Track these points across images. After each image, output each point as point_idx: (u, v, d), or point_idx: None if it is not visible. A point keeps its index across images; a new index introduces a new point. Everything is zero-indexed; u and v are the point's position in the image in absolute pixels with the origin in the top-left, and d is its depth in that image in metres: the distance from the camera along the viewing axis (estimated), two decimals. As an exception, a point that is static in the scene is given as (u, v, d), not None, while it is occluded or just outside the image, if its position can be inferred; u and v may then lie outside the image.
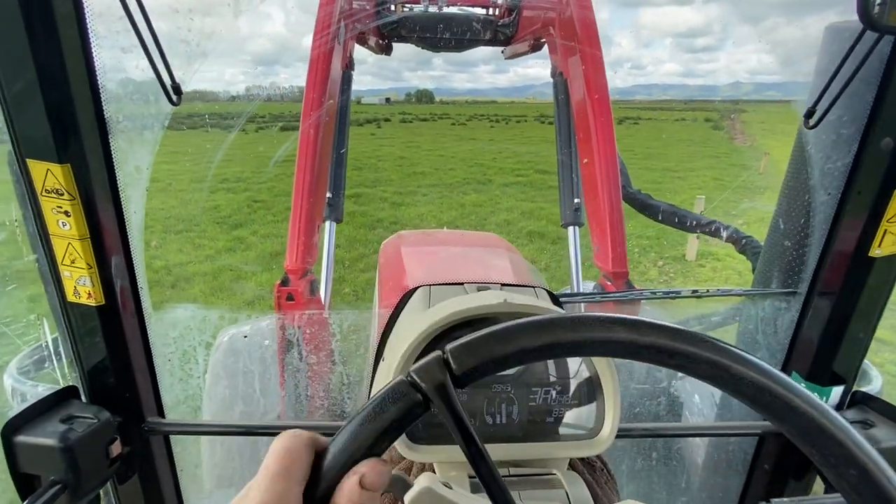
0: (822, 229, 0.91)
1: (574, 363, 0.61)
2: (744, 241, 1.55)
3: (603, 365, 0.58)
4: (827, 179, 0.89)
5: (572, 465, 0.66)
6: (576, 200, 2.01)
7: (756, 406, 0.35)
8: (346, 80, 2.14)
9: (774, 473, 1.02)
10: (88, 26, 0.63)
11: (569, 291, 1.87)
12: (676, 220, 1.66)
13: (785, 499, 0.41)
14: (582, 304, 1.17)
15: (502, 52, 3.07)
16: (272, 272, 5.47)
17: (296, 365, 1.27)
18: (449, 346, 0.34)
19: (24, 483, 0.72)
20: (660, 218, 1.70)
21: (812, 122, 0.76)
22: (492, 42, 2.77)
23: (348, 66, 2.13)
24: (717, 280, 5.69)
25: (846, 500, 0.32)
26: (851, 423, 0.95)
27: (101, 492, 0.86)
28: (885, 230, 0.83)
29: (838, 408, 0.96)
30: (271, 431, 0.94)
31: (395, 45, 2.87)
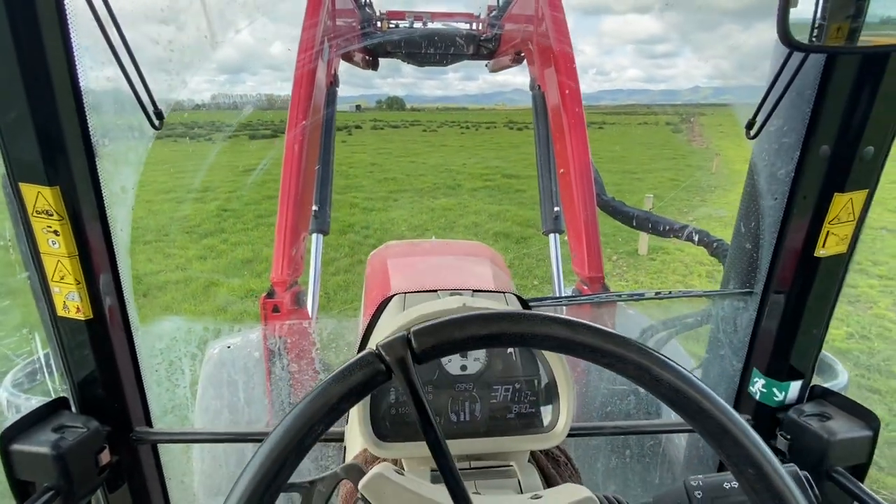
0: (772, 232, 0.97)
1: (531, 365, 0.66)
2: (714, 244, 1.61)
3: (558, 367, 0.63)
4: (774, 185, 0.95)
5: (537, 461, 0.70)
6: (555, 209, 2.07)
7: (673, 406, 0.39)
8: (331, 96, 2.20)
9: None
10: (76, 58, 0.68)
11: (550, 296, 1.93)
12: (650, 225, 1.72)
13: (700, 476, 0.46)
14: (555, 308, 1.22)
15: (486, 65, 3.16)
16: (243, 278, 5.54)
17: (279, 374, 1.31)
18: (413, 328, 0.39)
19: (21, 489, 0.76)
20: (634, 224, 1.77)
21: (752, 132, 0.83)
22: (475, 56, 2.85)
23: (333, 82, 2.20)
24: (665, 272, 5.94)
25: (747, 495, 0.36)
26: (809, 415, 1.00)
27: (93, 499, 0.89)
28: (828, 231, 0.89)
29: (798, 401, 1.01)
30: (257, 438, 0.98)
31: (380, 60, 2.94)
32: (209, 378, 1.28)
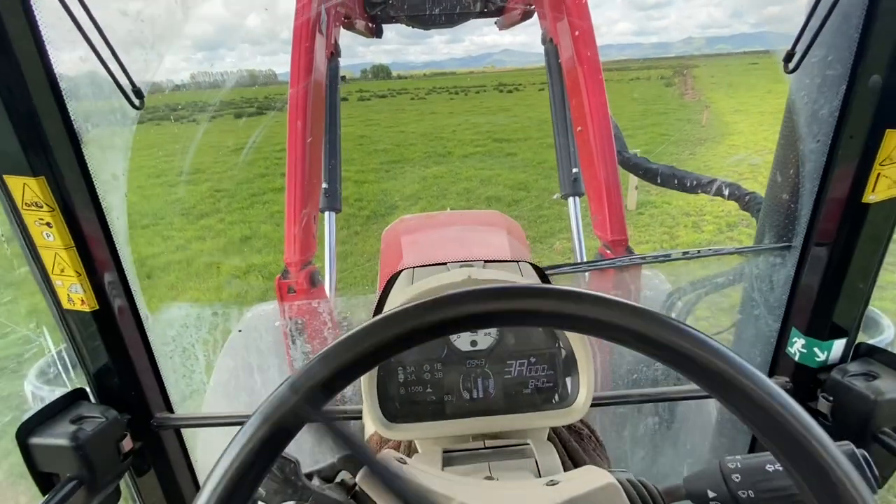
0: (814, 179, 0.87)
1: (547, 337, 0.61)
2: (747, 197, 1.50)
3: (576, 337, 0.58)
4: (815, 126, 0.85)
5: (559, 435, 0.66)
6: (574, 170, 1.97)
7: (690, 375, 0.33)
8: (333, 67, 2.12)
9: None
10: (44, 39, 0.64)
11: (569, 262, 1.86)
12: (676, 181, 1.61)
13: (738, 456, 0.41)
14: (576, 276, 1.16)
15: (495, 22, 2.99)
16: (243, 255, 5.65)
17: (294, 355, 1.30)
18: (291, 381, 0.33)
19: (43, 481, 0.77)
20: (658, 181, 1.66)
21: (791, 65, 0.73)
22: (483, 14, 2.69)
23: (334, 53, 2.11)
24: (653, 224, 5.99)
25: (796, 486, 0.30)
26: (854, 375, 0.93)
27: (122, 485, 0.91)
28: (879, 174, 0.79)
29: (842, 360, 0.94)
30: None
31: (383, 26, 2.82)
32: (225, 360, 1.29)
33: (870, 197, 0.80)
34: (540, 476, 0.50)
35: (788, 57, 0.74)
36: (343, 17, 2.33)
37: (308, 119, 1.68)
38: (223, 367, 1.37)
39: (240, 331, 1.34)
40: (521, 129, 14.15)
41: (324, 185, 1.97)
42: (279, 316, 1.43)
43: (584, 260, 1.96)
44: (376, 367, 0.59)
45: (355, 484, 0.39)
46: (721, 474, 0.39)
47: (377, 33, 2.86)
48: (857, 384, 0.87)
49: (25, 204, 0.70)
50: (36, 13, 0.63)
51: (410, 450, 0.63)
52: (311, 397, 0.31)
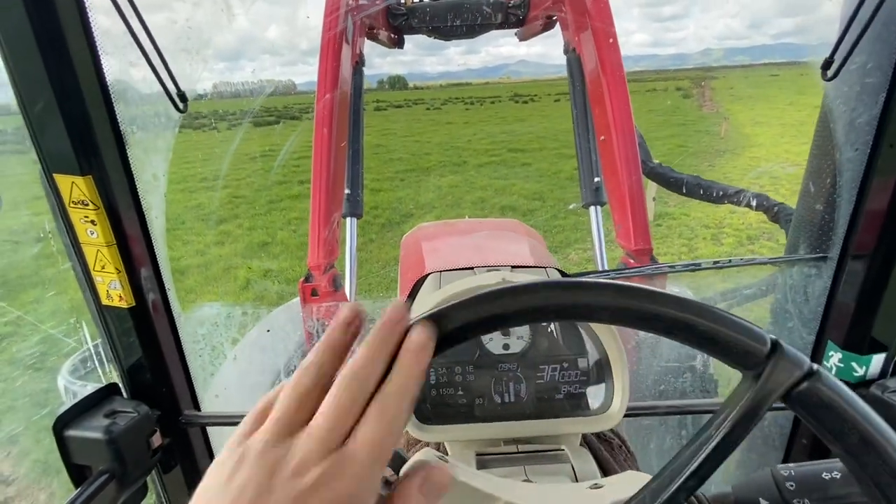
0: (852, 188, 0.85)
1: (581, 342, 0.61)
2: (776, 208, 1.48)
3: (611, 343, 0.57)
4: (853, 134, 0.83)
5: (589, 443, 0.65)
6: (595, 179, 1.96)
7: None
8: (358, 76, 2.16)
9: (814, 449, 0.97)
10: (97, 44, 0.67)
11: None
12: (702, 191, 1.59)
13: (791, 464, 0.39)
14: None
15: (515, 34, 3.02)
16: (261, 260, 5.70)
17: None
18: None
19: (77, 473, 0.79)
20: (684, 191, 1.65)
21: (830, 73, 0.72)
22: (504, 25, 2.72)
23: (359, 61, 2.15)
24: (671, 236, 5.93)
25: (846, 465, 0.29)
26: (895, 391, 0.89)
27: (149, 480, 0.92)
28: (922, 184, 0.77)
29: (881, 376, 0.91)
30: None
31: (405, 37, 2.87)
32: (245, 358, 1.30)
33: (912, 207, 0.78)
34: (577, 481, 0.50)
35: (827, 65, 0.73)
36: (367, 27, 2.38)
37: (334, 126, 1.71)
38: (242, 366, 1.38)
39: (268, 330, 1.36)
40: (536, 140, 14.12)
41: (346, 191, 2.00)
42: (302, 317, 1.45)
43: (604, 266, 1.94)
44: None
45: (397, 478, 0.39)
46: (774, 482, 0.38)
47: (399, 44, 2.91)
48: (899, 401, 0.83)
49: (72, 202, 0.72)
50: (91, 19, 0.66)
51: (440, 454, 0.63)
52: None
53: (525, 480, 0.49)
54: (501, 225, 2.08)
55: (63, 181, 0.71)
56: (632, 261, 1.61)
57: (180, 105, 0.71)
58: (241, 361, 1.27)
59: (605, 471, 0.61)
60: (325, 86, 1.81)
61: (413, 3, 2.66)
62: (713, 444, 0.30)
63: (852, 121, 0.83)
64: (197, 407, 0.97)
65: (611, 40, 1.76)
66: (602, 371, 0.59)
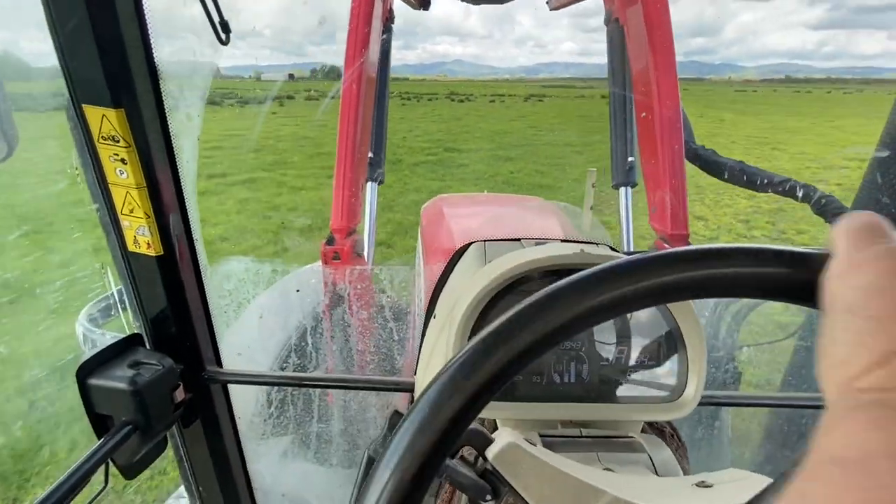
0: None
1: (652, 321, 0.56)
2: (823, 200, 1.40)
3: (687, 318, 0.52)
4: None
5: (643, 431, 0.62)
6: (629, 159, 1.89)
7: None
8: (388, 34, 2.06)
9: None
10: (134, -40, 0.60)
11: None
12: (745, 178, 1.52)
13: None
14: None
15: (547, 2, 2.88)
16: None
17: (344, 319, 1.29)
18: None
19: (99, 423, 0.76)
20: (725, 177, 1.57)
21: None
22: (537, -10, 2.59)
23: (388, 18, 2.05)
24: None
25: None
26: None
27: (168, 434, 0.90)
28: None
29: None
30: (324, 384, 0.96)
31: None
32: (266, 315, 1.28)
33: None
34: (657, 474, 0.46)
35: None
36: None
37: (363, 86, 1.63)
38: (261, 322, 1.35)
39: (298, 290, 1.33)
40: (473, 140, 13.75)
41: (369, 155, 1.94)
42: (322, 280, 1.42)
43: (631, 249, 1.89)
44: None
45: (482, 459, 0.35)
46: None
47: (425, 5, 2.79)
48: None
49: (102, 137, 0.67)
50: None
51: (493, 431, 0.59)
52: None
53: (606, 469, 0.45)
54: (526, 201, 2.01)
55: (93, 113, 0.65)
56: (666, 245, 1.55)
57: (223, 36, 0.65)
58: (263, 320, 1.24)
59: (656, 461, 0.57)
60: (355, 44, 1.72)
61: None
62: None
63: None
64: (219, 363, 0.94)
65: (660, 11, 1.65)
66: (674, 352, 0.55)
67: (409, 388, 0.87)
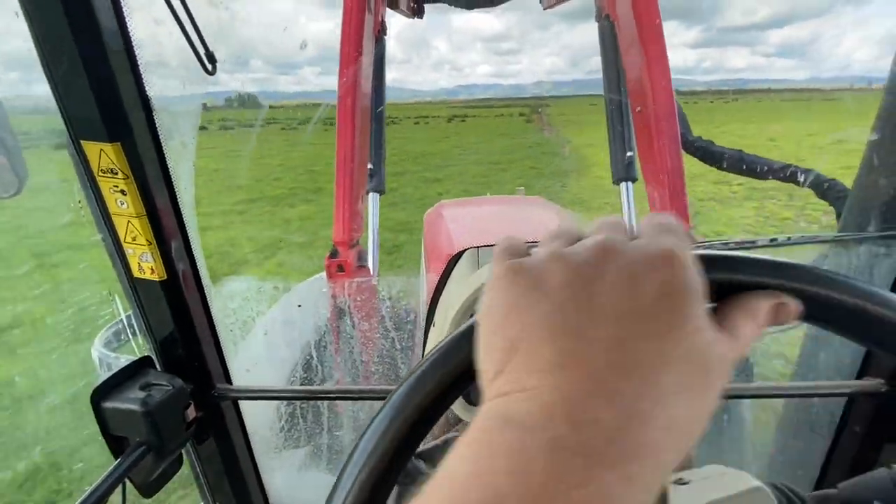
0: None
1: None
2: (826, 184, 1.39)
3: None
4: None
5: None
6: (628, 154, 1.88)
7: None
8: (380, 47, 2.09)
9: (868, 437, 0.92)
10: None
11: None
12: (745, 167, 1.50)
13: None
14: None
15: (540, 1, 2.89)
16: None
17: (349, 332, 1.31)
18: None
19: (115, 444, 0.79)
20: (724, 166, 1.56)
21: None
22: (530, -9, 2.60)
23: (381, 31, 2.08)
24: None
25: None
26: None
27: (183, 452, 0.93)
28: None
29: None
30: (334, 396, 0.97)
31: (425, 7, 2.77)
32: (274, 336, 1.30)
33: None
34: None
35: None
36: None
37: (358, 98, 1.66)
38: (270, 340, 1.38)
39: (299, 306, 1.35)
40: (399, 163, 13.35)
41: (368, 167, 1.96)
42: (329, 294, 1.44)
43: None
44: None
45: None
46: (892, 483, 0.34)
47: (419, 13, 2.81)
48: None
49: (101, 171, 0.70)
50: (114, -26, 0.62)
51: None
52: None
53: None
54: (527, 201, 2.02)
55: (91, 149, 0.68)
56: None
57: (209, 66, 0.67)
58: (268, 336, 1.27)
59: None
60: (347, 57, 1.75)
61: (434, -31, 2.55)
62: None
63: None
64: (229, 381, 0.97)
65: (651, 5, 1.65)
66: None
67: None
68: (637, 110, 1.66)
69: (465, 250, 0.80)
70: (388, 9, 2.48)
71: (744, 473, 0.34)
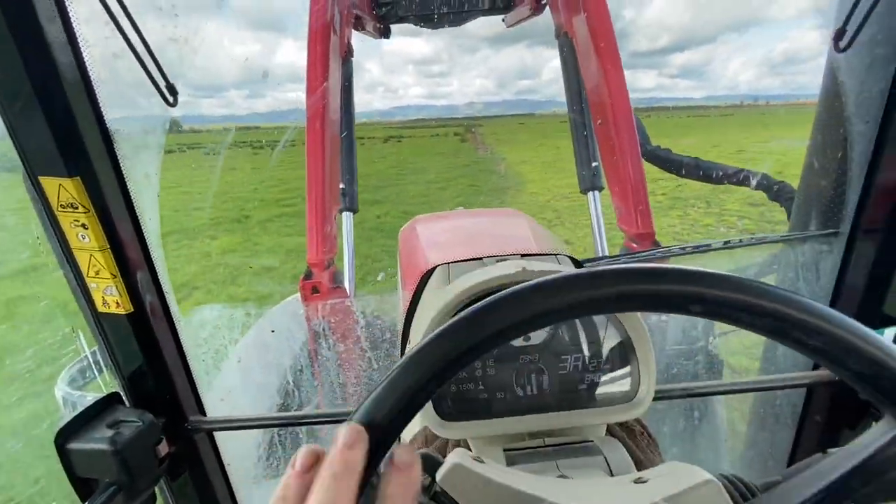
0: (862, 162, 0.84)
1: (604, 329, 0.59)
2: (776, 187, 1.47)
3: (635, 326, 0.56)
4: (863, 108, 0.82)
5: (611, 432, 0.64)
6: (593, 164, 1.95)
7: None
8: (348, 68, 2.11)
9: (827, 424, 0.97)
10: (77, 33, 0.63)
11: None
12: (701, 172, 1.58)
13: (840, 447, 0.38)
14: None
15: (503, 20, 2.98)
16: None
17: (326, 354, 1.29)
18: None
19: (82, 487, 0.76)
20: (682, 172, 1.63)
21: (843, 43, 0.70)
22: (491, 10, 2.68)
23: (347, 52, 2.10)
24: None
25: None
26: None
27: (157, 490, 0.90)
28: (935, 154, 0.76)
29: (892, 350, 0.91)
30: (312, 421, 0.96)
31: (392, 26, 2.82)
32: (248, 362, 1.28)
33: (925, 179, 0.77)
34: (612, 475, 0.48)
35: (839, 35, 0.71)
36: (353, 17, 2.32)
37: (327, 119, 1.67)
38: (244, 366, 1.35)
39: (272, 331, 1.33)
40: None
41: (340, 186, 1.97)
42: (305, 316, 1.42)
43: (604, 252, 1.93)
44: None
45: (432, 483, 0.37)
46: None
47: (385, 34, 2.86)
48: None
49: (61, 206, 0.69)
50: (69, 8, 0.62)
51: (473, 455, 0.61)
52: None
53: (560, 476, 0.47)
54: (501, 213, 2.05)
55: (49, 184, 0.67)
56: (634, 245, 1.60)
57: (170, 98, 0.67)
58: (244, 363, 1.24)
59: (633, 460, 0.60)
60: (314, 79, 1.77)
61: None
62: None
63: (862, 93, 0.82)
64: (202, 412, 0.95)
65: (604, 23, 1.73)
66: (626, 357, 0.57)
67: None
68: (598, 123, 1.73)
69: (436, 266, 0.81)
70: (354, 30, 2.52)
71: (696, 468, 0.36)
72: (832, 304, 0.93)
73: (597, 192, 2.00)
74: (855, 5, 0.70)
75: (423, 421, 0.56)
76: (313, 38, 1.81)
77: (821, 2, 0.79)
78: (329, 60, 1.74)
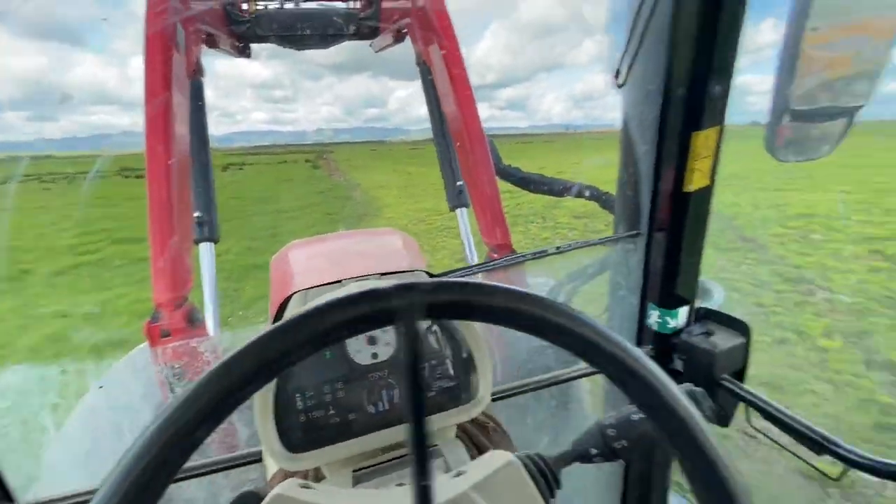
0: (649, 176, 1.04)
1: (446, 339, 0.63)
2: (603, 196, 1.73)
3: (473, 336, 0.61)
4: (643, 132, 1.02)
5: (466, 432, 0.69)
6: (458, 183, 2.08)
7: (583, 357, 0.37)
8: (197, 87, 1.96)
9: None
10: None
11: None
12: (545, 187, 1.80)
13: (613, 413, 0.47)
14: (470, 278, 1.23)
15: (370, 45, 3.05)
16: None
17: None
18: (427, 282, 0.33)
19: None
20: (531, 188, 1.84)
21: (620, 80, 0.87)
22: (356, 36, 2.73)
23: (196, 72, 1.96)
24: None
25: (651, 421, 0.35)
26: (697, 335, 1.10)
27: None
28: (692, 168, 0.97)
29: (686, 325, 1.13)
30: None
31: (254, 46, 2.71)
32: (84, 425, 1.09)
33: (688, 187, 0.99)
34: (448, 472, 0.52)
35: (617, 74, 0.88)
36: (205, 34, 2.18)
37: (171, 143, 1.53)
38: (75, 435, 1.15)
39: (100, 387, 1.14)
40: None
41: (196, 214, 1.80)
42: (152, 363, 1.26)
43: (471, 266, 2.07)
44: (271, 400, 0.56)
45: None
46: (599, 431, 0.45)
47: (245, 53, 2.74)
48: (700, 341, 1.04)
49: None
50: None
51: (318, 478, 0.60)
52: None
53: (399, 484, 0.49)
54: (376, 234, 2.07)
55: None
56: (495, 255, 1.74)
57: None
58: (76, 433, 1.05)
59: (483, 453, 0.65)
60: (153, 99, 1.61)
61: (257, 9, 2.52)
62: None
63: (642, 120, 1.02)
64: (9, 499, 0.78)
65: (455, 53, 1.88)
66: (468, 364, 0.63)
67: (257, 458, 0.83)
68: (457, 145, 1.87)
69: (293, 294, 0.80)
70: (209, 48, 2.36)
71: (504, 452, 0.42)
72: (643, 294, 1.12)
73: (464, 209, 2.14)
74: (625, 51, 0.88)
75: (269, 458, 0.55)
76: (151, 56, 1.65)
77: (603, 52, 0.98)
78: (170, 80, 1.60)
